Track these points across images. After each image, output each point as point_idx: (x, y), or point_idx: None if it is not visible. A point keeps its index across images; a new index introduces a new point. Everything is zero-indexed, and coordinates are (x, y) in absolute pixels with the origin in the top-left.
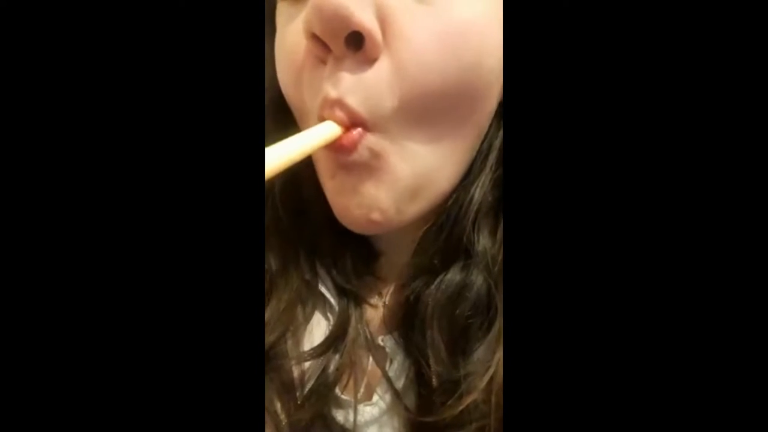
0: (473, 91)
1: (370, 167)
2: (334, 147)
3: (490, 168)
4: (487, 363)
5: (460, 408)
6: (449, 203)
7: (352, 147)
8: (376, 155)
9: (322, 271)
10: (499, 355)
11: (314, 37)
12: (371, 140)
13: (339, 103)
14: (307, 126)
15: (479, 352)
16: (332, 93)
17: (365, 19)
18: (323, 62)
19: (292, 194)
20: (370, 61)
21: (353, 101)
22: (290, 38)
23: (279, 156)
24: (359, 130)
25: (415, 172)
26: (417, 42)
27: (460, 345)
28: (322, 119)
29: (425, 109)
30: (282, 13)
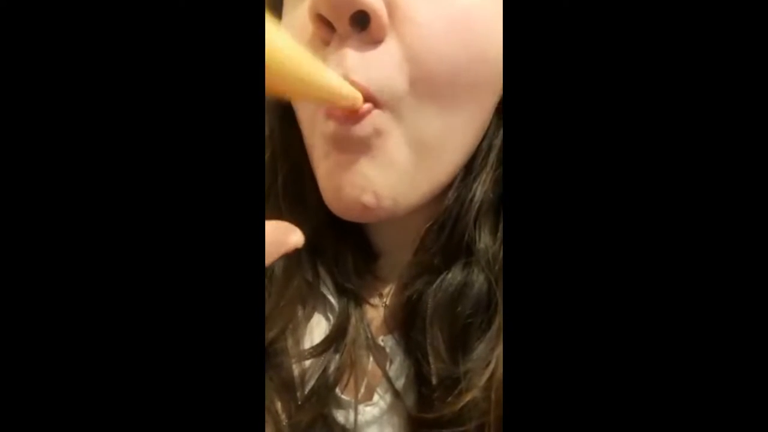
0: (480, 79)
1: (369, 145)
2: (339, 116)
3: (491, 166)
4: (486, 360)
5: (460, 405)
6: (450, 201)
7: (357, 118)
8: (379, 133)
9: (323, 271)
10: (498, 352)
11: (319, 18)
12: (379, 118)
13: (345, 80)
14: (308, 116)
15: (479, 350)
16: (336, 71)
17: None
18: (326, 44)
19: (295, 191)
20: (376, 42)
21: (359, 78)
22: (294, 24)
23: (290, 46)
24: (369, 104)
25: (415, 159)
26: (426, 27)
27: (460, 343)
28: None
29: (433, 94)
30: (287, 1)
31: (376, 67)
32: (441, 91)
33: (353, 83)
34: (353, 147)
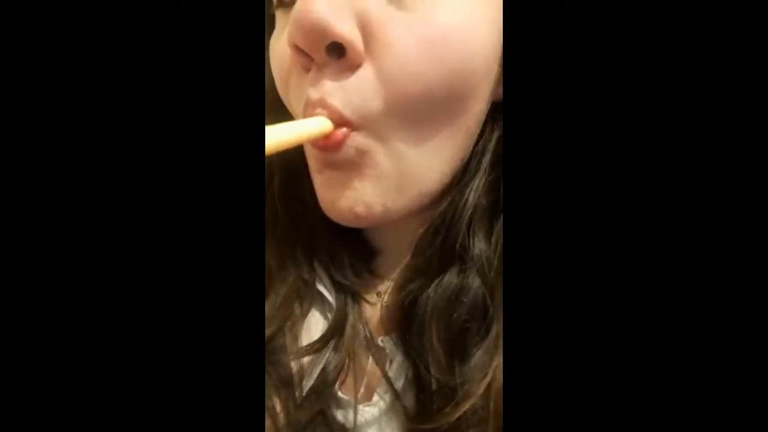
0: (458, 94)
1: (357, 164)
2: (321, 145)
3: (484, 171)
4: (484, 369)
5: (457, 414)
6: (444, 206)
7: (337, 147)
8: (362, 153)
9: (319, 269)
10: (497, 361)
11: (296, 48)
12: (357, 139)
13: (321, 102)
14: None
15: (477, 358)
16: (314, 95)
17: (345, 30)
18: (307, 70)
19: (291, 191)
20: (353, 68)
21: (335, 102)
22: (278, 46)
23: (268, 138)
24: (344, 129)
25: (400, 170)
26: (399, 48)
27: (457, 350)
28: None
29: (410, 112)
30: (278, 19)
31: (353, 91)
32: (417, 109)
33: (328, 105)
34: (342, 166)
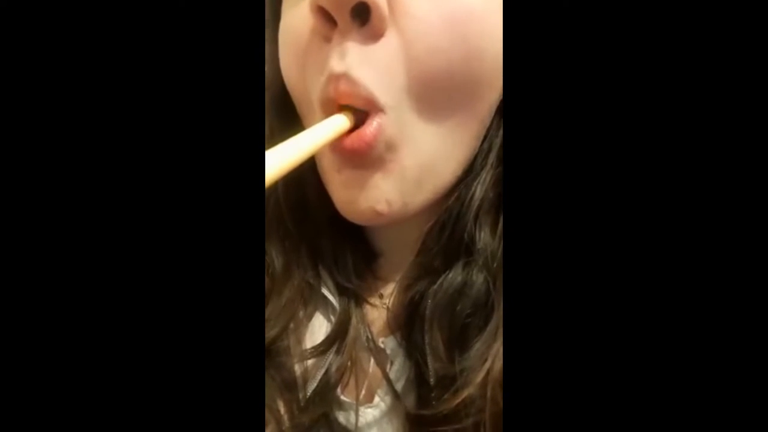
0: (477, 78)
1: (383, 160)
2: (349, 148)
3: (491, 165)
4: (483, 358)
5: (456, 402)
6: (451, 201)
7: (368, 147)
8: (390, 148)
9: (323, 272)
10: (495, 349)
11: (320, 11)
12: (386, 129)
13: (345, 77)
14: (309, 115)
15: (476, 348)
16: (338, 67)
17: None
18: (328, 40)
19: (295, 192)
20: (376, 36)
21: (360, 75)
22: (295, 21)
23: (286, 156)
24: (375, 124)
25: (421, 162)
26: (424, 21)
27: (458, 342)
28: (326, 98)
29: (432, 93)
30: (286, 1)
31: (378, 63)
32: (439, 89)
33: (352, 80)
34: (367, 164)
